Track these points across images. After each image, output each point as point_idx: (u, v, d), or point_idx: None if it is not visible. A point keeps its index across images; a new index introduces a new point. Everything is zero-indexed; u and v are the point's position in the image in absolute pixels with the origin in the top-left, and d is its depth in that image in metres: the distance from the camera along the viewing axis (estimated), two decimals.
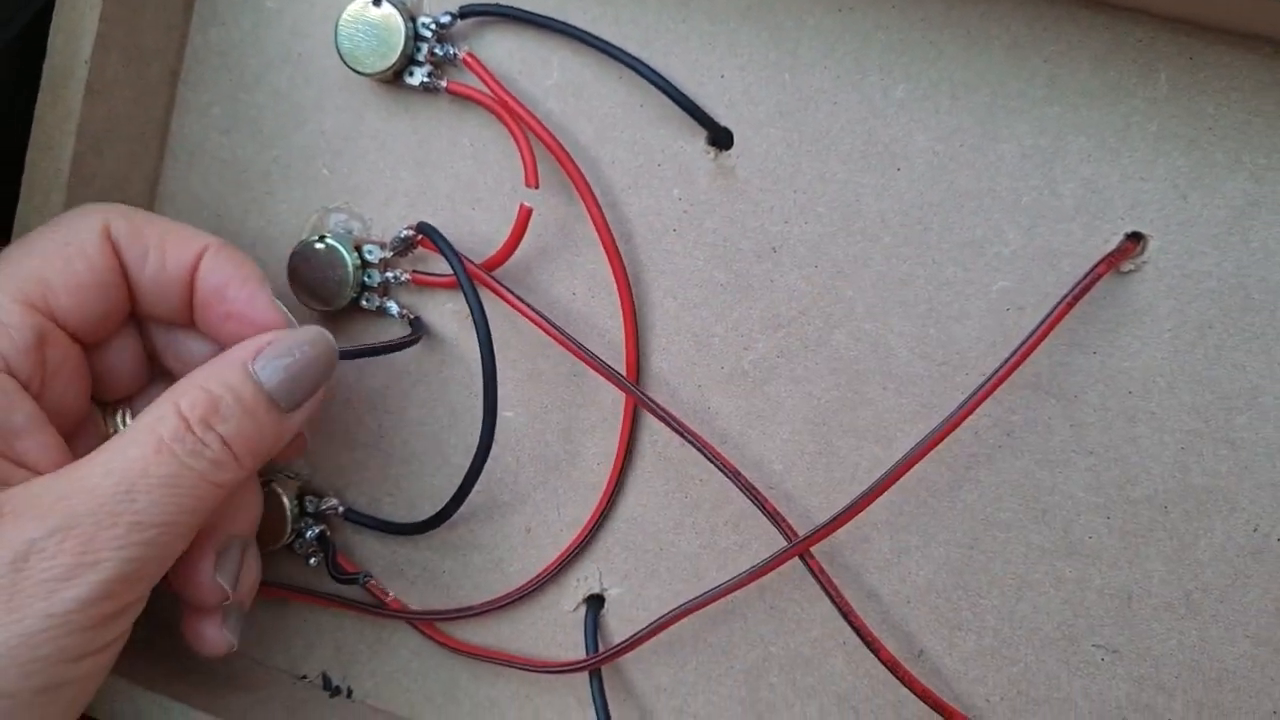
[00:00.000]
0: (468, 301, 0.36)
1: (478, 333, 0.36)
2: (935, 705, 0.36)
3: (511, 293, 0.37)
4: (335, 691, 0.42)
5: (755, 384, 0.38)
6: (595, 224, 0.37)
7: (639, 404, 0.37)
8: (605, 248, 0.37)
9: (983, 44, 0.35)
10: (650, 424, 0.38)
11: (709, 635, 0.39)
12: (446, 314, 0.40)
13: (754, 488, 0.36)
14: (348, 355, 0.37)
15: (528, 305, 0.37)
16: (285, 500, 0.40)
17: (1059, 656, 0.36)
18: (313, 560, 0.41)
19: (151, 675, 0.40)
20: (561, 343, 0.36)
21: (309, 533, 0.41)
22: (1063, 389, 0.35)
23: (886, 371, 0.36)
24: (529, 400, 0.39)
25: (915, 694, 0.35)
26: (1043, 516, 0.36)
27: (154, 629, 0.40)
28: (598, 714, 0.38)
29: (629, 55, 0.37)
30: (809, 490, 0.37)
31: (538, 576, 0.39)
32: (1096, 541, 0.35)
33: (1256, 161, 0.33)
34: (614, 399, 0.39)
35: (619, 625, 0.39)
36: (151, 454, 0.30)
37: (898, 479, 0.34)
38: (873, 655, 0.36)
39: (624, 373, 0.37)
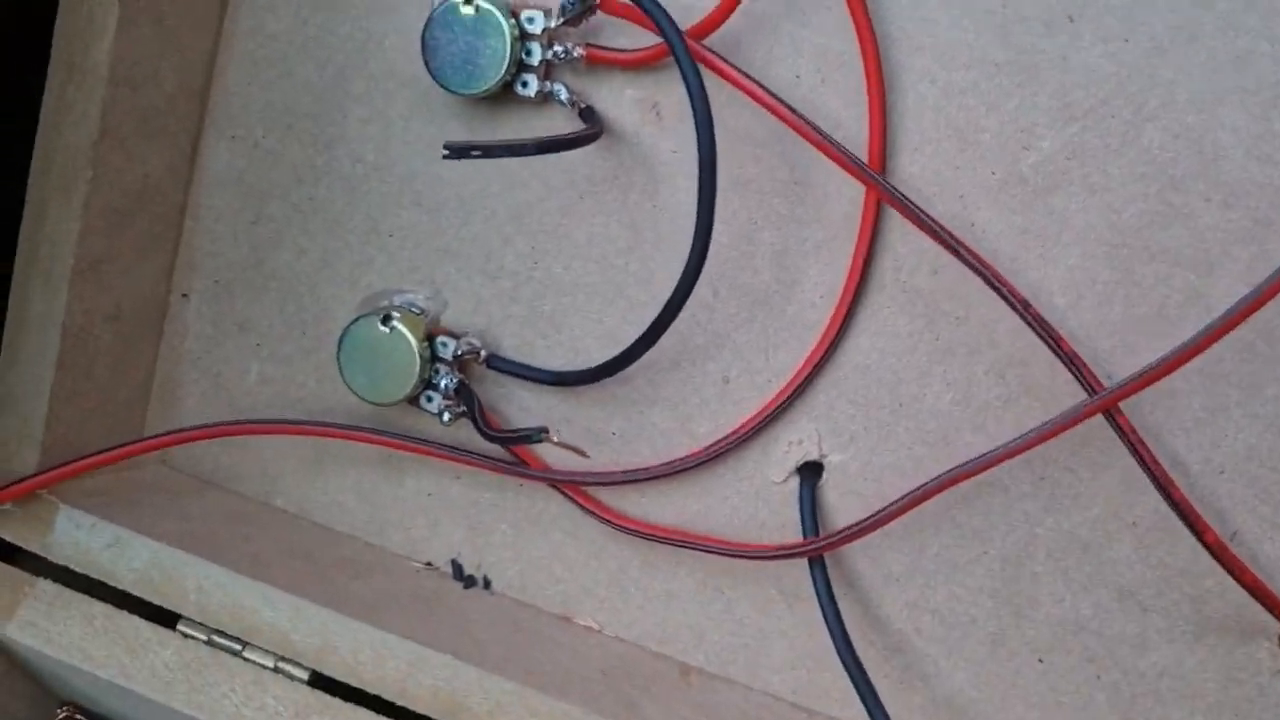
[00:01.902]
0: (684, 76, 0.28)
1: (696, 115, 0.28)
2: (1261, 596, 0.28)
3: (732, 66, 0.28)
4: (469, 582, 0.34)
5: (1036, 193, 0.29)
6: None
7: (889, 203, 0.29)
8: (852, 10, 0.28)
9: None
10: (891, 245, 0.30)
11: (957, 513, 0.31)
12: (626, 103, 0.31)
13: (1045, 323, 0.28)
14: (506, 150, 0.28)
15: (754, 80, 0.28)
16: (412, 341, 0.32)
17: None
18: (447, 417, 0.33)
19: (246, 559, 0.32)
20: (799, 128, 0.28)
21: (443, 382, 0.32)
22: None
23: (1212, 178, 0.28)
24: (734, 215, 0.31)
25: (1244, 586, 0.28)
26: None
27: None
28: (824, 610, 0.30)
29: None
30: (1100, 329, 0.29)
31: (734, 434, 0.31)
32: None
33: None
34: (845, 213, 0.30)
35: (840, 500, 0.32)
36: None
37: (1239, 323, 0.26)
38: (1173, 538, 0.29)
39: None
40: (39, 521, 0.32)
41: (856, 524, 0.30)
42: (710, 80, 0.28)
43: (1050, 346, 0.28)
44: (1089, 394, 0.28)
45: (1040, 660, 0.31)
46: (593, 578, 0.34)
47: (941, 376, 0.31)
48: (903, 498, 0.29)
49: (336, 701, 0.31)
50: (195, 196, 0.35)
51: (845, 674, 0.30)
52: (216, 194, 0.35)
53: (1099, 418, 0.28)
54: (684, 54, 0.28)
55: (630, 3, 0.29)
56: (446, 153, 0.27)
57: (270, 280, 0.35)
